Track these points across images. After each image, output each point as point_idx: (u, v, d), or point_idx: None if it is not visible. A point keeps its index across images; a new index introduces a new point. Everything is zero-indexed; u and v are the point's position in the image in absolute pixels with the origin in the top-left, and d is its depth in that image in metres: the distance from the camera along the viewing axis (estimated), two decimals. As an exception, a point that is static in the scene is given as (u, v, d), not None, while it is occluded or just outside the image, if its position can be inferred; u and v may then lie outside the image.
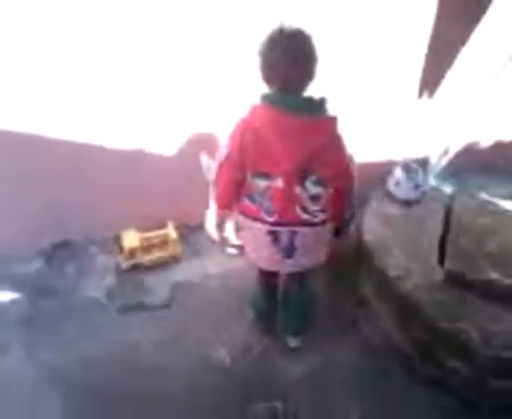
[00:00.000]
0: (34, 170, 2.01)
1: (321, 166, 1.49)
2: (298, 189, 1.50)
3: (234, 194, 1.60)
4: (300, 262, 1.67)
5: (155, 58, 1.96)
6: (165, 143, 2.19)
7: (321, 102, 1.46)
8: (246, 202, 1.59)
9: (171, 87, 2.06)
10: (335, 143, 1.49)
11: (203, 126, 2.21)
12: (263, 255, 1.68)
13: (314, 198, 1.54)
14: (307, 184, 1.51)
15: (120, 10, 1.82)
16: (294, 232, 1.58)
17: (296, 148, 1.45)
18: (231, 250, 2.37)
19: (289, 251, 1.62)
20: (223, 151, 1.54)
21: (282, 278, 1.95)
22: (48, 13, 1.74)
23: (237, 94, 2.03)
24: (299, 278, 1.83)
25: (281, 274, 1.90)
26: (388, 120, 2.53)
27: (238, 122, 1.50)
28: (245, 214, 1.62)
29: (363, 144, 2.50)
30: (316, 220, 1.58)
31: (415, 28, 2.25)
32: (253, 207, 1.57)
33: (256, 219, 1.59)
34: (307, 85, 1.47)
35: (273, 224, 1.56)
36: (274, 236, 1.59)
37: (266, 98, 1.47)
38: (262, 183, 1.52)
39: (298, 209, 1.54)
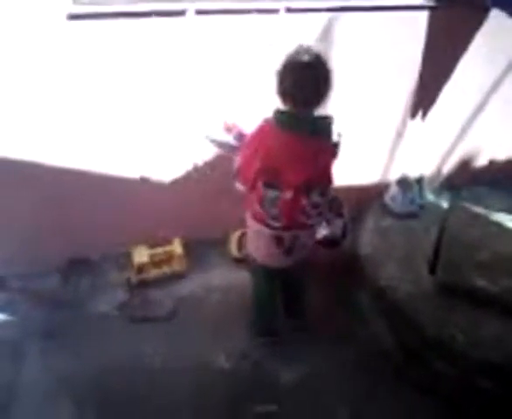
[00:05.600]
0: (53, 194, 2.15)
1: (323, 180, 1.67)
2: (304, 200, 1.64)
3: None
4: (298, 257, 1.82)
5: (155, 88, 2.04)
6: (174, 163, 2.30)
7: (329, 126, 1.59)
8: (256, 206, 1.70)
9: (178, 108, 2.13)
10: (332, 162, 1.68)
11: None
12: (265, 253, 1.82)
13: (315, 206, 1.69)
14: (312, 195, 1.65)
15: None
16: (297, 236, 1.73)
17: (306, 170, 1.59)
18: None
19: (290, 250, 1.77)
20: (235, 164, 1.70)
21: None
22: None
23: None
24: (296, 267, 1.91)
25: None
26: (386, 140, 2.64)
27: (252, 136, 1.64)
28: (253, 217, 1.75)
29: (363, 162, 2.64)
30: (314, 222, 1.75)
31: (408, 54, 2.33)
32: (262, 212, 1.69)
33: (263, 224, 1.72)
34: (320, 104, 1.56)
35: (279, 229, 1.70)
36: (278, 239, 1.73)
37: (279, 119, 1.56)
38: (272, 193, 1.64)
39: (302, 216, 1.68)
